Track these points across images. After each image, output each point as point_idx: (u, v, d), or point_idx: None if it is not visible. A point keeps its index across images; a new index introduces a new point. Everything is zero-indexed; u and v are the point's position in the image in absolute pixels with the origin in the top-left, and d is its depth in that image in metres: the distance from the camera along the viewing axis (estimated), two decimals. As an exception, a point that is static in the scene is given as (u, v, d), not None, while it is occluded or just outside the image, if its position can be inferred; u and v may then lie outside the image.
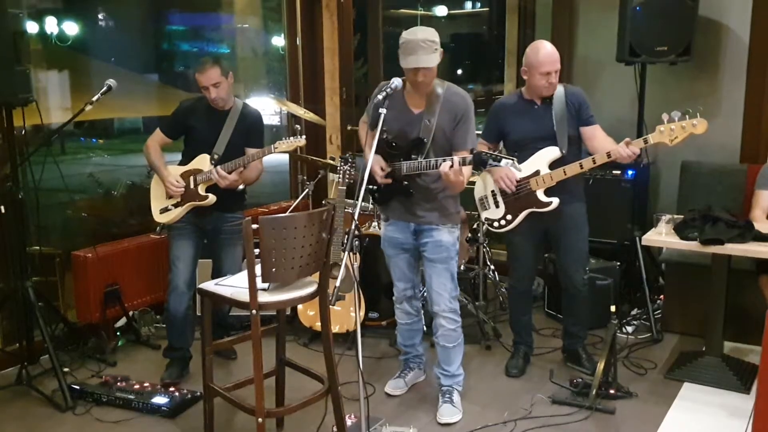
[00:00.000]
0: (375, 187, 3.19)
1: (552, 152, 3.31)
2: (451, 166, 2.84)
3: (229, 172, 3.48)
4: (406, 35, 2.88)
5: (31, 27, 4.20)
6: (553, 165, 3.31)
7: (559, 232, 3.46)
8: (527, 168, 3.34)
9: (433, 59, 2.88)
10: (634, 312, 4.28)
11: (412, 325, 3.42)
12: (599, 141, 3.34)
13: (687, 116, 3.09)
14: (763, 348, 2.78)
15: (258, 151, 3.51)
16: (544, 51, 3.23)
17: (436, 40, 2.88)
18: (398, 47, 2.91)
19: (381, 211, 3.32)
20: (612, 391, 3.30)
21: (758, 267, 3.60)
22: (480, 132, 3.46)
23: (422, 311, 3.48)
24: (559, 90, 3.34)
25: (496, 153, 2.84)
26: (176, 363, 3.66)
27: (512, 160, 2.81)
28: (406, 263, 3.27)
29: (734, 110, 4.25)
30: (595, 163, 3.25)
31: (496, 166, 2.84)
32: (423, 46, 2.84)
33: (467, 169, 2.93)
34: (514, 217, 3.42)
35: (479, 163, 2.88)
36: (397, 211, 3.19)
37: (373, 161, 3.07)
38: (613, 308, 3.39)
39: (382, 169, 3.09)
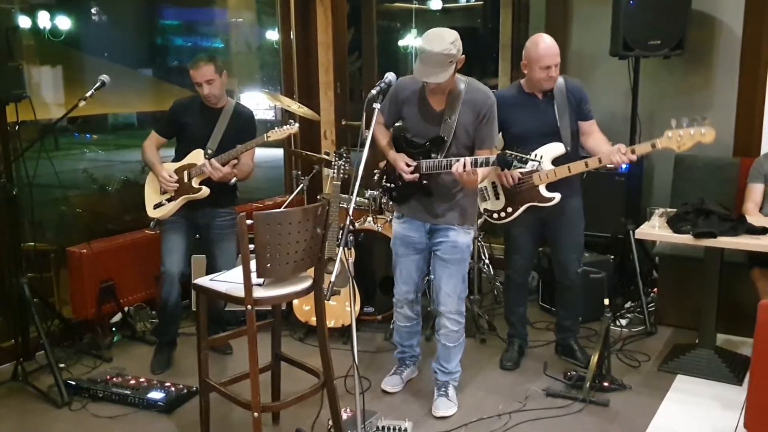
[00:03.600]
0: (392, 185, 3.16)
1: (556, 148, 3.30)
2: (465, 168, 2.80)
3: (223, 165, 3.49)
4: (425, 44, 2.76)
5: (24, 22, 4.18)
6: (556, 161, 3.32)
7: (557, 226, 3.46)
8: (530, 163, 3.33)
9: (443, 75, 2.78)
10: (627, 305, 4.30)
11: (411, 327, 3.39)
12: (594, 139, 3.35)
13: (695, 123, 3.07)
14: (755, 340, 2.80)
15: (251, 142, 3.52)
16: (544, 44, 3.21)
17: (454, 52, 2.76)
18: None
19: (396, 208, 3.26)
20: (606, 384, 3.32)
21: (750, 260, 3.62)
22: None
23: (421, 314, 3.45)
24: (560, 82, 3.32)
25: (521, 154, 2.78)
26: (165, 350, 3.73)
27: (538, 162, 2.77)
28: (414, 266, 3.22)
29: (727, 104, 4.26)
30: (600, 162, 3.23)
31: (521, 167, 2.79)
32: (436, 59, 2.75)
33: (482, 169, 2.89)
34: (515, 210, 3.42)
35: (504, 165, 2.84)
36: (414, 209, 3.14)
37: (396, 157, 3.05)
38: (606, 301, 3.41)
39: (407, 165, 3.02)
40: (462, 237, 3.09)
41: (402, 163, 3.03)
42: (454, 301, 3.11)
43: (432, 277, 3.29)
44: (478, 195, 3.54)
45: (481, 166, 2.86)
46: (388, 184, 3.19)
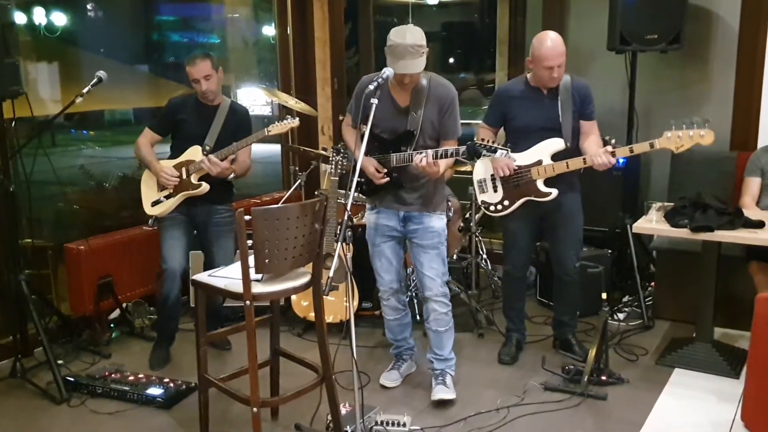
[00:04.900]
0: (362, 180, 3.18)
1: (556, 144, 3.31)
2: (426, 161, 2.92)
3: (221, 160, 3.49)
4: (395, 38, 2.86)
5: (20, 18, 4.16)
6: (556, 156, 3.32)
7: (555, 221, 3.47)
8: (530, 157, 3.35)
9: (420, 64, 2.89)
10: (625, 299, 4.31)
11: (401, 319, 3.42)
12: (589, 141, 3.35)
13: (695, 125, 3.09)
14: (753, 333, 2.82)
15: (251, 136, 3.53)
16: (548, 45, 3.21)
17: (423, 43, 2.88)
18: (385, 46, 2.89)
19: (369, 201, 3.32)
20: (604, 378, 3.33)
21: (748, 253, 3.64)
22: (465, 121, 3.47)
23: (411, 302, 3.47)
24: (566, 80, 3.33)
25: (489, 144, 2.85)
26: (164, 346, 3.74)
27: (507, 150, 2.83)
28: (392, 251, 3.27)
29: (724, 98, 4.26)
30: (585, 163, 3.24)
31: (489, 156, 2.87)
32: (411, 51, 2.83)
33: (444, 160, 3.00)
34: (511, 204, 3.44)
35: (473, 154, 2.91)
36: (386, 200, 3.21)
37: (366, 163, 3.09)
38: (604, 295, 3.42)
39: (378, 171, 3.09)
40: (436, 221, 3.17)
41: (372, 168, 3.09)
42: (438, 284, 3.18)
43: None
44: (477, 187, 3.57)
45: (442, 157, 2.97)
46: (359, 179, 3.20)
